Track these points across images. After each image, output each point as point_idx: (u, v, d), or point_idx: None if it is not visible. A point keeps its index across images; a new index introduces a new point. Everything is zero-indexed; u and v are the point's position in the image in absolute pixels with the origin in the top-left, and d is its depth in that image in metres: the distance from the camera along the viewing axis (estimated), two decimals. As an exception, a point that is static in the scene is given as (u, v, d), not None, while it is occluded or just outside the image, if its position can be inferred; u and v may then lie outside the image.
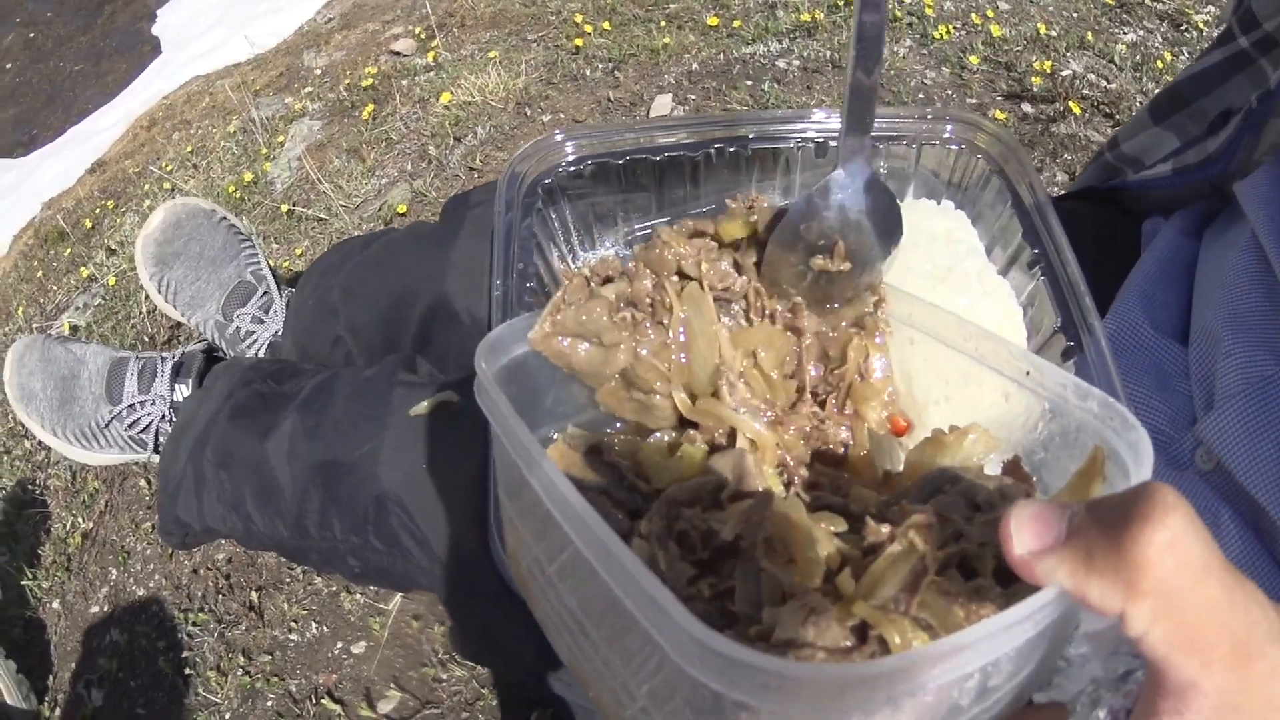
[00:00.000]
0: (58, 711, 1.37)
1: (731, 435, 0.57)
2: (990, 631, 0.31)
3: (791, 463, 0.56)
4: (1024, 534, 0.32)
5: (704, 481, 0.49)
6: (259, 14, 3.24)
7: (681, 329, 0.58)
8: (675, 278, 0.60)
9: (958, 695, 0.33)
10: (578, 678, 0.50)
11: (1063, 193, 1.06)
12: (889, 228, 0.60)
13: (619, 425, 0.62)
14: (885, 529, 0.41)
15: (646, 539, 0.45)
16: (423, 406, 0.77)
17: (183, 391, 1.29)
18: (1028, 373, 0.48)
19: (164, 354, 1.33)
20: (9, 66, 4.31)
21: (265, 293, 1.33)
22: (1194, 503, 0.67)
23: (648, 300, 0.60)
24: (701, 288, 0.59)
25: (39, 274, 2.35)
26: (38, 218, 2.84)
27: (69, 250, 2.35)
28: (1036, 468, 0.49)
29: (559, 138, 0.79)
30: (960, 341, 0.52)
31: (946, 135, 0.79)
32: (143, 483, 1.57)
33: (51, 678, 1.42)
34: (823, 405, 0.60)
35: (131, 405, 1.29)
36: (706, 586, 0.43)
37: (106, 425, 1.30)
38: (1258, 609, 0.30)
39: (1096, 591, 0.30)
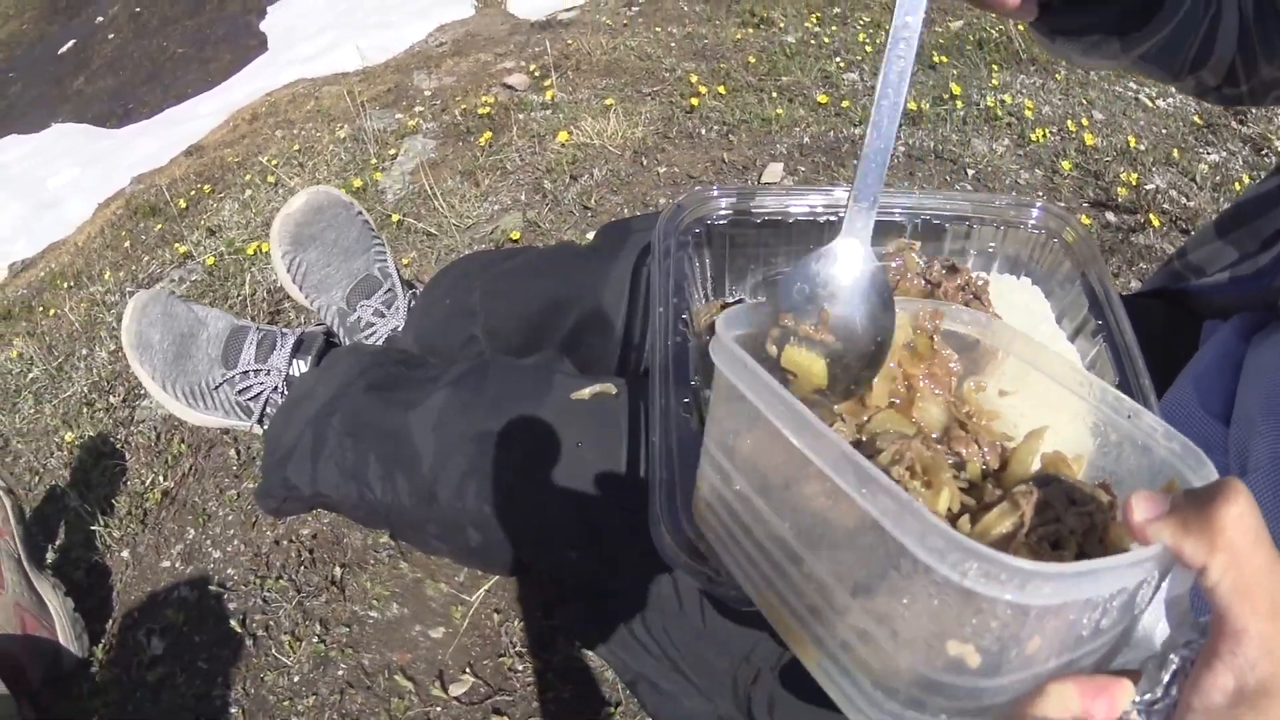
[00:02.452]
0: (112, 654, 1.38)
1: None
2: (1126, 562, 0.42)
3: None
4: (1141, 506, 0.43)
5: None
6: (370, 26, 3.37)
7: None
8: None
9: (1084, 625, 0.43)
10: (770, 617, 0.57)
11: (1135, 292, 1.16)
12: (877, 317, 0.61)
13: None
14: (998, 491, 0.54)
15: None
16: (585, 392, 0.84)
17: (300, 367, 1.35)
18: (1129, 416, 0.57)
19: (284, 329, 1.39)
20: (111, 37, 4.43)
21: (389, 289, 1.39)
22: None
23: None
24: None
25: (126, 243, 2.41)
26: (128, 190, 2.93)
27: (160, 225, 2.41)
28: (1124, 492, 0.58)
29: (714, 191, 0.91)
30: (1076, 386, 0.61)
31: (1032, 222, 0.93)
32: (231, 453, 1.62)
33: (110, 622, 1.43)
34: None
35: (246, 372, 1.35)
36: None
37: (217, 387, 1.36)
38: None
39: (1189, 547, 0.40)
